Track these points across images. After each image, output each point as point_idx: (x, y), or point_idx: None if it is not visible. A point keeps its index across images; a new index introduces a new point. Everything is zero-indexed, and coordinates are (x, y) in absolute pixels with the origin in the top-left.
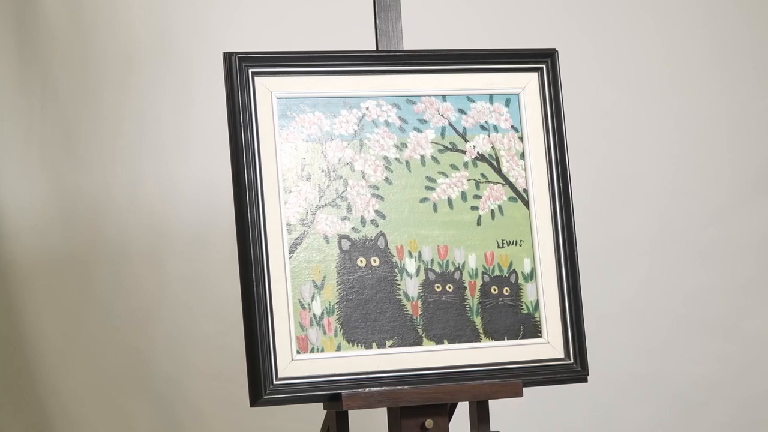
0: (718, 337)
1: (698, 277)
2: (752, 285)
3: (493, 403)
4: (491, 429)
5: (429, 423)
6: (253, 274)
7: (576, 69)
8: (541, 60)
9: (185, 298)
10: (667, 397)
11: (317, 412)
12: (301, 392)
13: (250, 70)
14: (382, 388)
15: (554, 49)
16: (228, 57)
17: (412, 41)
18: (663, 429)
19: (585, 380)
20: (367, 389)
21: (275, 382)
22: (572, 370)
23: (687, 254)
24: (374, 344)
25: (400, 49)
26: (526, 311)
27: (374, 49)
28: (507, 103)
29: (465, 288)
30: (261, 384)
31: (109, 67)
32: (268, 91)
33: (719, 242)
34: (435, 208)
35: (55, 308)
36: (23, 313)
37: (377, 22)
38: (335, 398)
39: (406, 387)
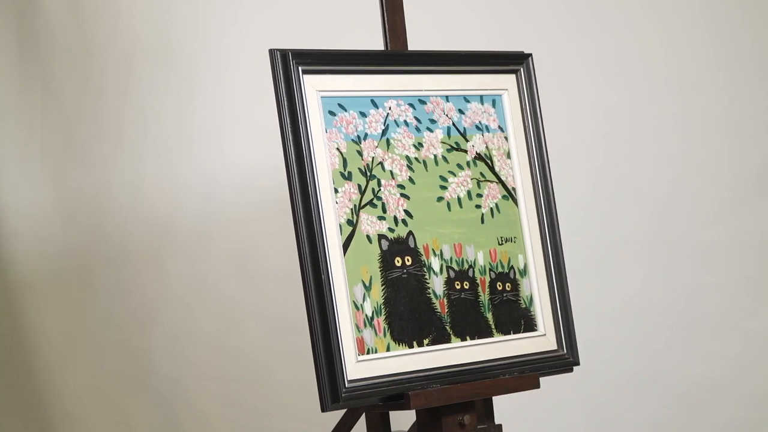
0: (718, 337)
1: (698, 277)
2: (752, 285)
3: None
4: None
5: (467, 419)
6: (323, 277)
7: (576, 69)
8: (518, 63)
9: (185, 298)
10: (667, 397)
11: (316, 411)
12: (369, 394)
13: (300, 68)
14: (439, 386)
15: (523, 52)
16: (281, 54)
17: (412, 42)
18: (663, 429)
19: (571, 370)
20: (434, 386)
21: (347, 385)
22: (564, 359)
23: (687, 254)
24: (415, 343)
25: (405, 49)
26: (524, 306)
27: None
28: (494, 104)
29: (478, 285)
30: (337, 387)
31: (109, 66)
32: (314, 89)
33: (719, 242)
34: (449, 206)
35: (56, 308)
36: (24, 313)
37: (386, 23)
38: (392, 398)
39: (458, 384)
